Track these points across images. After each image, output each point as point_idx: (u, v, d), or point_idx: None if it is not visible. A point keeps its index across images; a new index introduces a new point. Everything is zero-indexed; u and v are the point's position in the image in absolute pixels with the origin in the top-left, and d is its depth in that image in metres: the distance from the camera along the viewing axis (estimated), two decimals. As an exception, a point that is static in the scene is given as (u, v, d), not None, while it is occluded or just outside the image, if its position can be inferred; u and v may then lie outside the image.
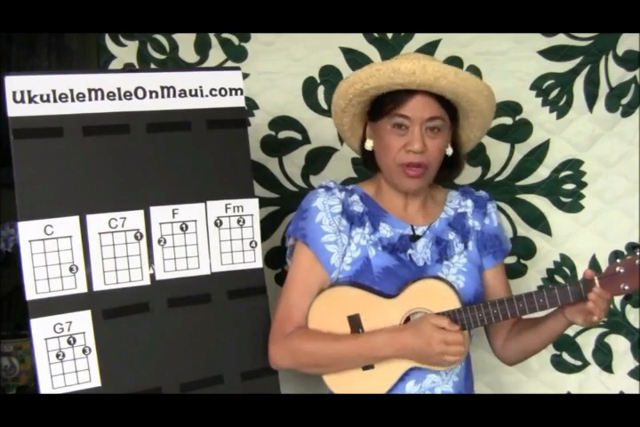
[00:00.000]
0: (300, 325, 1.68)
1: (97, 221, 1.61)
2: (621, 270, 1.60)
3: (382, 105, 1.69)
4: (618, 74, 2.18)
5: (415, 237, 1.72)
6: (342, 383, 1.67)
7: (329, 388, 1.68)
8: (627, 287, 1.61)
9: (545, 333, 1.72)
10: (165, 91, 1.68)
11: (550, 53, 2.18)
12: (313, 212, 1.70)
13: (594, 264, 2.19)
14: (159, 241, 1.67)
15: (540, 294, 1.62)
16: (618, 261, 1.62)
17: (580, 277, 2.18)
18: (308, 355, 1.66)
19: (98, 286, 1.61)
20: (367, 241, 1.69)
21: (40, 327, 1.56)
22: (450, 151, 1.73)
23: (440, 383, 1.68)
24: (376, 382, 1.66)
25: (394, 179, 1.70)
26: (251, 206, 1.76)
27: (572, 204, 2.20)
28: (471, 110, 1.70)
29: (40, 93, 1.57)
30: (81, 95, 1.61)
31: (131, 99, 1.65)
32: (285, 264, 1.85)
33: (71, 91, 1.60)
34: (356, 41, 2.16)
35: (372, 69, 1.66)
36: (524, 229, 2.22)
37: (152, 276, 1.67)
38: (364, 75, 1.67)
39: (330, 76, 2.16)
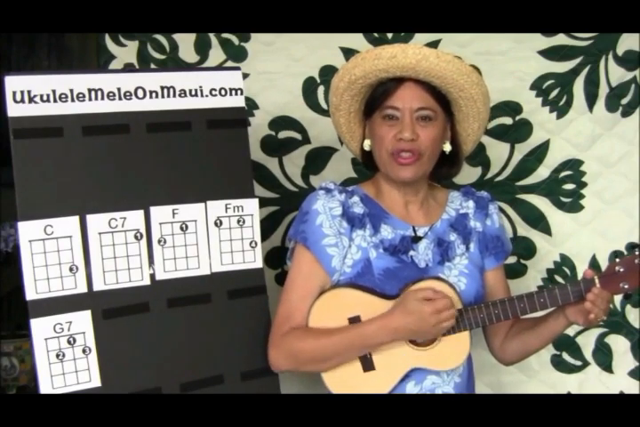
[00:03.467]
0: (300, 326, 1.68)
1: (97, 221, 1.61)
2: (621, 269, 1.61)
3: (373, 100, 1.70)
4: (618, 74, 2.18)
5: (416, 239, 1.72)
6: (343, 385, 1.67)
7: (329, 390, 1.68)
8: (626, 286, 1.61)
9: (545, 333, 1.72)
10: (165, 91, 1.68)
11: (550, 53, 2.18)
12: (313, 214, 1.70)
13: (594, 264, 2.19)
14: (159, 241, 1.67)
15: (540, 294, 1.63)
16: (617, 260, 1.62)
17: (580, 277, 2.20)
18: (304, 352, 1.66)
19: (98, 286, 1.61)
20: (368, 243, 1.69)
21: (40, 327, 1.56)
22: (448, 148, 1.73)
23: (440, 384, 1.68)
24: (377, 383, 1.66)
25: (388, 170, 1.69)
26: (251, 206, 1.76)
27: (572, 204, 2.21)
28: (460, 97, 1.69)
29: (40, 93, 1.57)
30: (81, 95, 1.61)
31: (131, 99, 1.65)
32: (286, 264, 1.85)
33: (71, 91, 1.60)
34: (356, 41, 2.16)
35: (358, 59, 1.68)
36: (524, 229, 2.22)
37: (152, 276, 1.67)
38: (350, 65, 1.69)
39: (330, 76, 2.14)
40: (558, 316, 1.67)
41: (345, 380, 1.67)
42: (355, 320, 1.65)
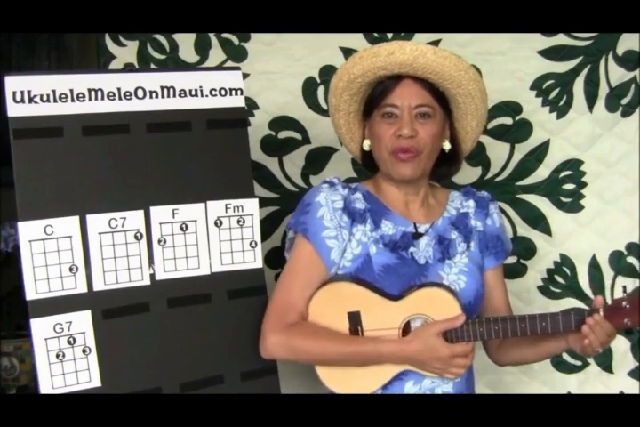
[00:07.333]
0: (303, 315, 1.67)
1: (97, 221, 1.61)
2: (627, 306, 1.58)
3: (372, 99, 1.70)
4: (618, 74, 2.18)
5: (417, 235, 1.72)
6: (337, 378, 1.67)
7: (322, 382, 1.67)
8: (629, 323, 1.59)
9: (543, 350, 1.72)
10: (165, 91, 1.68)
11: (550, 53, 2.18)
12: (315, 206, 1.70)
13: (594, 264, 2.19)
14: (159, 241, 1.67)
15: (543, 318, 1.61)
16: (625, 295, 1.60)
17: (579, 276, 2.20)
18: (309, 353, 1.65)
19: (98, 286, 1.61)
20: (368, 238, 1.69)
21: (40, 327, 1.56)
22: (448, 146, 1.74)
23: (440, 383, 1.67)
24: (371, 377, 1.65)
25: (389, 168, 1.70)
26: (251, 206, 1.76)
27: (572, 204, 2.21)
28: (458, 93, 1.69)
29: (40, 93, 1.57)
30: (81, 95, 1.61)
31: (131, 99, 1.65)
32: (285, 263, 1.85)
33: (71, 91, 1.60)
34: (356, 41, 2.16)
35: (356, 58, 1.69)
36: (524, 229, 2.22)
37: (152, 276, 1.67)
38: (348, 65, 1.70)
39: (330, 76, 2.13)
40: (559, 338, 1.66)
41: (339, 373, 1.66)
42: (354, 316, 1.65)
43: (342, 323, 1.66)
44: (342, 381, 1.67)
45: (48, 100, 1.58)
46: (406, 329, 1.65)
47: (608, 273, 2.20)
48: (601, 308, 1.60)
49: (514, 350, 1.76)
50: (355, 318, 1.65)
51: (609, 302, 1.72)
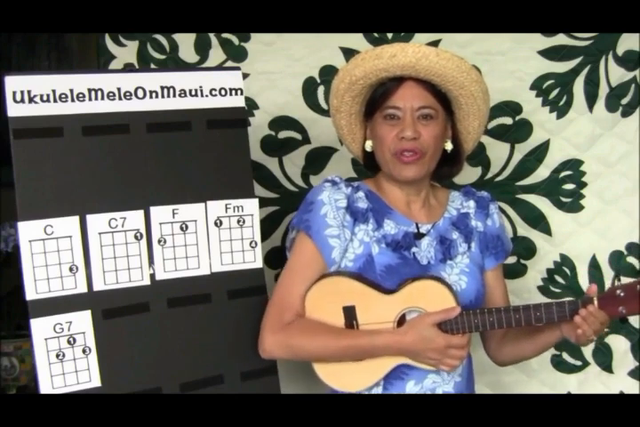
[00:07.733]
0: (301, 313, 1.67)
1: (97, 221, 1.61)
2: (622, 294, 1.58)
3: (374, 100, 1.70)
4: (618, 74, 2.18)
5: (419, 235, 1.72)
6: (333, 373, 1.67)
7: (319, 376, 1.67)
8: (624, 311, 1.59)
9: (539, 342, 1.72)
10: (165, 91, 1.68)
11: (550, 53, 2.18)
12: (318, 204, 1.70)
13: (594, 264, 2.19)
14: (159, 241, 1.67)
15: (537, 308, 1.61)
16: (619, 284, 1.61)
17: (579, 276, 2.20)
18: (307, 351, 1.65)
19: (98, 286, 1.61)
20: (370, 238, 1.69)
21: (40, 327, 1.56)
22: (449, 147, 1.74)
23: (441, 383, 1.67)
24: (367, 372, 1.65)
25: (391, 170, 1.70)
26: (251, 206, 1.76)
27: (572, 204, 2.21)
28: (461, 95, 1.69)
29: (40, 93, 1.57)
30: (81, 95, 1.61)
31: (131, 99, 1.65)
32: (286, 262, 1.85)
33: (71, 91, 1.60)
34: (356, 41, 2.16)
35: (358, 60, 1.68)
36: (524, 229, 2.22)
37: (152, 276, 1.67)
38: (350, 66, 1.70)
39: (330, 76, 2.14)
40: (554, 329, 1.67)
41: (336, 369, 1.66)
42: (349, 310, 1.65)
43: (338, 318, 1.66)
44: (340, 376, 1.67)
45: (48, 100, 1.58)
46: (401, 322, 1.65)
47: (608, 273, 2.20)
48: (595, 296, 1.60)
49: (512, 345, 1.76)
50: (350, 313, 1.65)
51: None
